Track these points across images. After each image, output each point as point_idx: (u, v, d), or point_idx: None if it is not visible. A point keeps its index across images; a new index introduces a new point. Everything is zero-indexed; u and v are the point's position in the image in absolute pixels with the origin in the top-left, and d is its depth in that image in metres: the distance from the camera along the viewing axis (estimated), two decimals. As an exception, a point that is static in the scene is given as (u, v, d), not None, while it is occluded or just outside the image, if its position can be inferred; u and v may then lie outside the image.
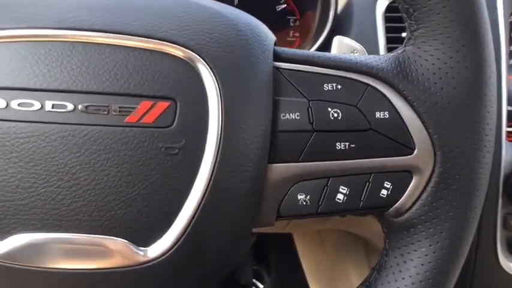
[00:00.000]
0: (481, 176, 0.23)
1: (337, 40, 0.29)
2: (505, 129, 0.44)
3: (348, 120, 0.22)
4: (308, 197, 0.23)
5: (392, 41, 0.45)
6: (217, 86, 0.20)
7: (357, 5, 0.50)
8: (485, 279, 0.46)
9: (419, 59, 0.23)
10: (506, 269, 0.45)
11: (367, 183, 0.23)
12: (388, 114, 0.22)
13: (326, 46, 0.50)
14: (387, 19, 0.46)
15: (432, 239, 0.22)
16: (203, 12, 0.22)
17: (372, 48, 0.46)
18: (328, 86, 0.23)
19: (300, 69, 0.23)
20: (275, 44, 0.25)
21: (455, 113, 0.22)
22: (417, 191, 0.23)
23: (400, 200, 0.23)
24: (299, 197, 0.23)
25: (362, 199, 0.23)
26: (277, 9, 0.56)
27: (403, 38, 0.25)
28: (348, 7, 0.52)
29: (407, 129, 0.22)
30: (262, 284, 0.74)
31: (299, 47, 0.56)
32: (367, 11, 0.49)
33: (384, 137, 0.22)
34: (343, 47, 0.29)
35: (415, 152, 0.22)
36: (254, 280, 0.73)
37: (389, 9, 0.46)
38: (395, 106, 0.23)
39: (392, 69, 0.23)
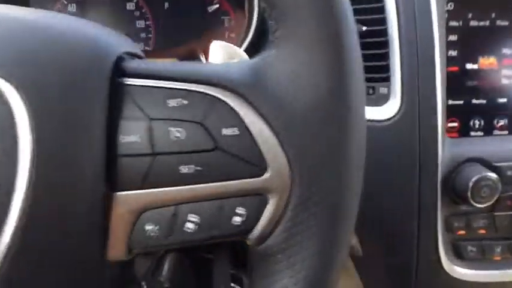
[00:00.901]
0: (346, 195, 0.20)
1: (214, 45, 0.27)
2: (442, 124, 0.41)
3: (192, 140, 0.20)
4: (156, 228, 0.20)
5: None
6: (27, 110, 0.18)
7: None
8: (430, 284, 0.43)
9: (277, 64, 0.20)
10: (451, 273, 0.42)
11: (218, 209, 0.20)
12: (237, 130, 0.20)
13: (255, 46, 0.47)
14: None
15: (293, 270, 0.20)
16: (12, 24, 0.19)
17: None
18: (172, 102, 0.20)
19: (145, 84, 0.21)
20: (124, 57, 0.22)
21: (312, 125, 0.20)
22: (275, 216, 0.20)
23: (257, 227, 0.20)
24: (147, 227, 0.20)
25: (214, 227, 0.20)
26: (209, 10, 0.53)
27: None
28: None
29: (259, 147, 0.20)
30: (241, 287, 0.72)
31: (235, 48, 0.53)
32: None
33: (232, 157, 0.20)
34: (221, 52, 0.27)
35: (269, 172, 0.20)
36: (233, 284, 0.71)
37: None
38: (245, 121, 0.20)
39: (245, 79, 0.20)
